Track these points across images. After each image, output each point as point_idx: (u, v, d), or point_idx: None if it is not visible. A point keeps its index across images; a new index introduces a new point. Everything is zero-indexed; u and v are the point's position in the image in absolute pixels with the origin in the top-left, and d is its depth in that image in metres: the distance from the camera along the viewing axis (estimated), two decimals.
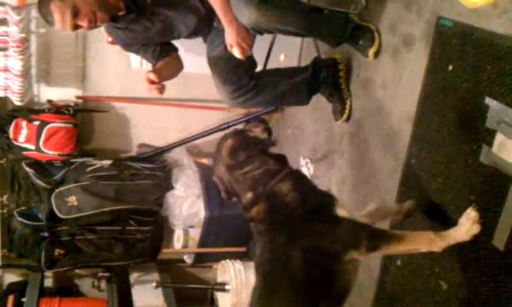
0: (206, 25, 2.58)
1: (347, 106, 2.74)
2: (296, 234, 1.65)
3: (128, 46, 2.70)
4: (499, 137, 1.67)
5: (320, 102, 2.97)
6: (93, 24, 2.35)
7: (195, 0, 2.48)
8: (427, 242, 1.70)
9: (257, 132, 1.86)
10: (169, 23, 2.55)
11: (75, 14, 2.27)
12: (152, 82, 2.39)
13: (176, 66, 2.74)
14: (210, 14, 2.44)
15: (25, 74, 3.30)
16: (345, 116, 2.76)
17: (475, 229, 1.67)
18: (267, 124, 2.03)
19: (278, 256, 1.65)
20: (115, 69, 3.64)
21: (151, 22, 2.52)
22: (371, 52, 2.47)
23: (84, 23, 2.31)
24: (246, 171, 1.74)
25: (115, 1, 2.40)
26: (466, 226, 1.68)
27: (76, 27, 2.33)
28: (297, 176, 1.79)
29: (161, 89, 2.44)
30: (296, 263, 1.62)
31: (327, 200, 1.75)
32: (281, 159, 1.81)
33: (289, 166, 1.80)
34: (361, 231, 1.67)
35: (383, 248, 1.69)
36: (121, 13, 2.47)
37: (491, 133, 1.71)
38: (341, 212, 1.69)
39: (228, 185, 1.80)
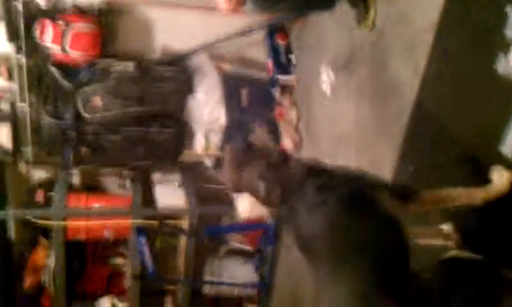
0: None
1: (371, 13, 2.72)
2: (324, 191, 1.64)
3: None
4: None
5: (343, 9, 2.95)
6: None
7: None
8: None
9: (259, 133, 1.88)
10: None
11: None
12: None
13: None
14: None
15: None
16: (368, 24, 2.75)
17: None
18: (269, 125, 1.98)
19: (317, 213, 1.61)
20: None
21: None
22: None
23: None
24: (251, 169, 1.75)
25: None
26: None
27: None
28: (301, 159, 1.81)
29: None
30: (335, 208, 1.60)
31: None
32: (283, 153, 1.84)
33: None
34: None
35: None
36: None
37: (510, 43, 1.73)
38: None
39: (238, 186, 1.82)
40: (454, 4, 2.08)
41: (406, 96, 2.41)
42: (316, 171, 1.72)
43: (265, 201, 1.75)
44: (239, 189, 1.84)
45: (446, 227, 1.96)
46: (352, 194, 1.60)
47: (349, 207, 1.58)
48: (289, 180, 1.70)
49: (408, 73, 2.41)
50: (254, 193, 1.76)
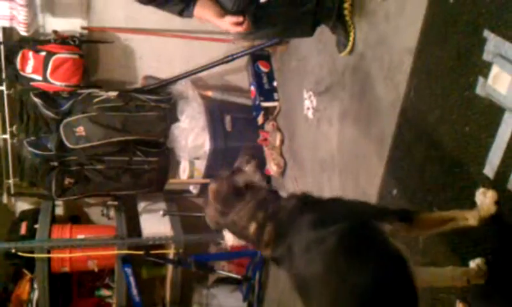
0: None
1: (351, 38, 2.74)
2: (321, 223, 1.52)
3: None
4: (495, 70, 1.70)
5: (324, 34, 2.98)
6: None
7: None
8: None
9: (248, 170, 1.79)
10: None
11: None
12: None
13: None
14: None
15: (30, 4, 3.30)
16: (348, 48, 2.76)
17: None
18: (257, 160, 1.88)
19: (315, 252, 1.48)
20: None
21: None
22: None
23: None
24: (239, 210, 1.65)
25: None
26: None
27: None
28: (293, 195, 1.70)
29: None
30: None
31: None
32: (273, 191, 1.75)
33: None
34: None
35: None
36: None
37: (488, 66, 1.74)
38: None
39: (223, 226, 1.74)
40: (432, 27, 2.10)
41: (388, 119, 2.41)
42: (311, 205, 1.61)
43: (256, 242, 1.63)
44: (224, 228, 1.75)
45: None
46: (352, 231, 1.48)
47: (349, 247, 1.45)
48: (281, 217, 1.59)
49: (390, 95, 2.42)
50: (243, 235, 1.66)
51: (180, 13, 2.66)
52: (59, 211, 4.18)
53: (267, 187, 1.79)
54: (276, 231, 1.58)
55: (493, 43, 1.72)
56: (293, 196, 1.66)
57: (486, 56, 1.74)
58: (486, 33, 1.75)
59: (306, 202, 1.62)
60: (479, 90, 1.77)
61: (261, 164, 3.85)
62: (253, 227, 1.62)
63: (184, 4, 2.62)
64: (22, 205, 4.10)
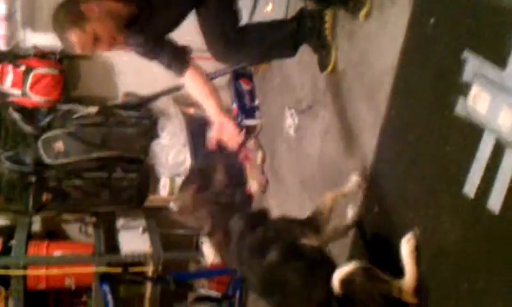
0: None
1: (332, 57, 2.76)
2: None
3: (149, 48, 2.53)
4: (475, 90, 1.72)
5: (306, 53, 3.00)
6: (113, 46, 2.31)
7: None
8: None
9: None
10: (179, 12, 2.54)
11: (96, 41, 2.24)
12: None
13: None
14: None
15: (10, 18, 3.28)
16: (330, 67, 2.79)
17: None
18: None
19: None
20: None
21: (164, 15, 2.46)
22: (362, 13, 2.46)
23: (105, 47, 2.28)
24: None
25: (128, 10, 2.30)
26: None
27: (95, 49, 2.30)
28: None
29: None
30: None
31: None
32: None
33: None
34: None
35: None
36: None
37: (468, 86, 1.76)
38: None
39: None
40: (413, 47, 2.12)
41: (369, 137, 2.43)
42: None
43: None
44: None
45: None
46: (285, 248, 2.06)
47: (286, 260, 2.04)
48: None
49: (371, 113, 2.44)
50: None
51: (169, 66, 2.59)
52: (36, 227, 4.10)
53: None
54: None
55: (473, 63, 1.74)
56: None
57: (466, 76, 1.77)
58: (466, 53, 1.78)
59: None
60: (459, 110, 1.79)
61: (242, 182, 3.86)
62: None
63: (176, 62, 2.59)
64: None
